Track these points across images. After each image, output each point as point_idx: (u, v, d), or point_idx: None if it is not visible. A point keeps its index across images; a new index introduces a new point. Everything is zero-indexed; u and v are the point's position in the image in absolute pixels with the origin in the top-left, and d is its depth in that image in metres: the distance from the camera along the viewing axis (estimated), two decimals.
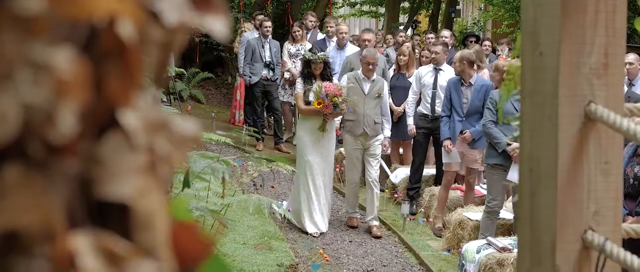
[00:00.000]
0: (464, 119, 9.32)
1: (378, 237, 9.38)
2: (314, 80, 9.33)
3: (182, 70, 13.91)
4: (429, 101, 10.27)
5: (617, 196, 1.67)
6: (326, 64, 9.44)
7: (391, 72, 11.68)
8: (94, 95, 0.65)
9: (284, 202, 9.57)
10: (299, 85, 9.44)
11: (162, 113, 0.71)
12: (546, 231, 1.65)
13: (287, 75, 13.31)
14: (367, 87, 9.49)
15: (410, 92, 10.77)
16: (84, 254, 0.63)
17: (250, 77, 13.31)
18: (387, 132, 9.71)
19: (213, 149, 11.15)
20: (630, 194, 5.80)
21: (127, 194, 0.66)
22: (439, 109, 10.15)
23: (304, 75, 9.47)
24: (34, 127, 0.62)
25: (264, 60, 13.32)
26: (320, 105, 8.95)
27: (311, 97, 9.12)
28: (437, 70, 10.49)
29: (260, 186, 9.99)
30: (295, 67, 13.23)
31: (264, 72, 13.31)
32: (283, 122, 13.77)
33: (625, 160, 5.76)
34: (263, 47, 13.36)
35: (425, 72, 10.46)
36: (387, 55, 12.87)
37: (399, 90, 11.11)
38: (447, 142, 9.41)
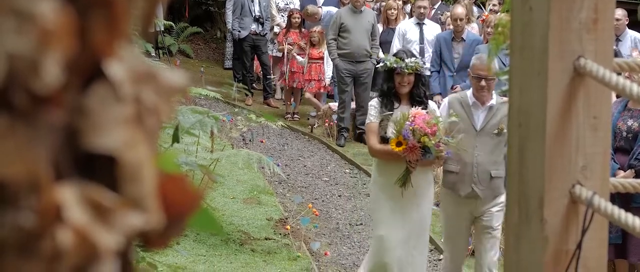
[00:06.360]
0: (455, 74, 9.32)
1: None
2: (397, 103, 5.87)
3: (171, 23, 13.79)
4: (418, 56, 10.18)
5: (605, 150, 1.68)
6: (419, 77, 5.97)
7: (381, 27, 11.64)
8: (80, 45, 0.64)
9: None
10: (373, 110, 5.91)
11: (149, 64, 0.70)
12: (534, 185, 1.66)
13: (276, 29, 13.21)
14: (480, 118, 5.82)
15: (394, 49, 10.73)
16: (70, 206, 0.63)
17: (239, 31, 13.19)
18: None
19: (202, 104, 11.14)
20: (622, 147, 5.79)
21: (113, 145, 0.65)
22: (428, 64, 10.15)
23: (382, 92, 6.00)
24: (18, 77, 0.61)
25: (254, 14, 13.18)
26: (401, 148, 5.43)
27: (389, 131, 5.65)
28: (420, 24, 10.45)
29: (250, 140, 10.00)
30: (283, 21, 13.12)
31: (253, 26, 13.17)
32: (272, 76, 13.71)
33: (616, 115, 5.76)
34: (252, 1, 13.22)
35: (409, 28, 10.37)
36: (378, 10, 12.79)
37: (389, 46, 11.07)
38: (437, 98, 9.41)
